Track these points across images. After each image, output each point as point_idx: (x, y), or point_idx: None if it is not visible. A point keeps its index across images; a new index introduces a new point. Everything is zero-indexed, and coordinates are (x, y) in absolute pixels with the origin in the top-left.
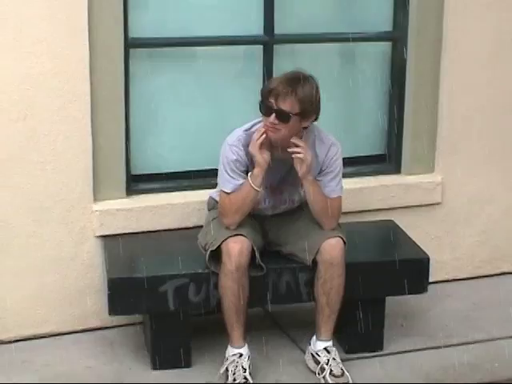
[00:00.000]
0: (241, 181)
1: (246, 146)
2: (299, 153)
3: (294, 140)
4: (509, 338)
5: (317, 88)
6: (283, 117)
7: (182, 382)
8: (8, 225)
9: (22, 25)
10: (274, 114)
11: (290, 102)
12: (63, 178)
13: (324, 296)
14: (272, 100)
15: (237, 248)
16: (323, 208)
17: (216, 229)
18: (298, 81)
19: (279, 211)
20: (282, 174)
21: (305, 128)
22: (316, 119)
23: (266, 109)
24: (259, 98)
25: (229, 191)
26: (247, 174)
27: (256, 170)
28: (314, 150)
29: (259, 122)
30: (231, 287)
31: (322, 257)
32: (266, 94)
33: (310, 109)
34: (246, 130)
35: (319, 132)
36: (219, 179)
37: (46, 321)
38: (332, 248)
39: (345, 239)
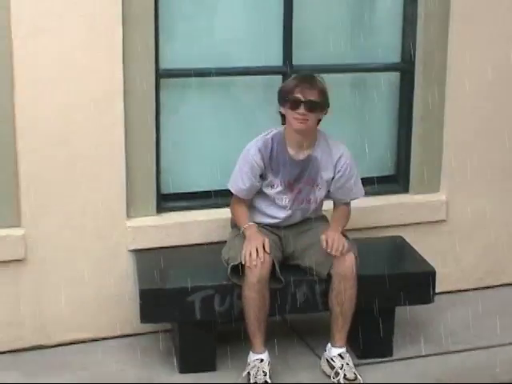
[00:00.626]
0: (247, 186)
1: (263, 149)
2: (333, 247)
3: (323, 238)
4: (509, 345)
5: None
6: (312, 105)
7: None
8: (51, 240)
9: (63, 56)
10: (302, 105)
11: (315, 93)
12: (100, 198)
13: (338, 306)
14: (299, 94)
15: (259, 262)
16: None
17: (239, 245)
18: (313, 77)
19: (295, 219)
20: (298, 171)
21: (319, 121)
22: (326, 113)
23: (294, 103)
24: (280, 98)
25: (232, 191)
26: (261, 178)
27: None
28: (327, 152)
29: (274, 130)
30: (254, 298)
31: (335, 270)
32: (291, 89)
33: (326, 100)
34: (264, 136)
35: (324, 134)
36: (231, 178)
37: (84, 328)
38: (344, 262)
39: (356, 254)
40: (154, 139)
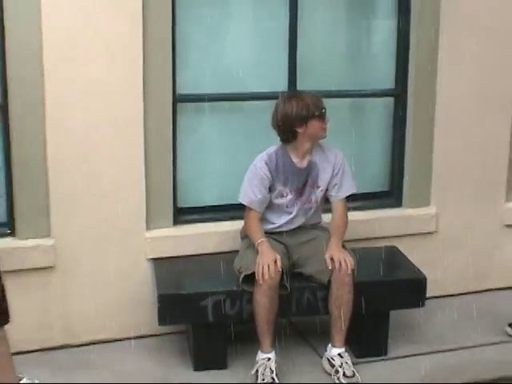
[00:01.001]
0: (259, 197)
1: (269, 162)
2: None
3: (327, 256)
4: (492, 345)
5: None
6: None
7: (219, 381)
8: (78, 249)
9: (90, 82)
10: (326, 115)
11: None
12: (121, 211)
13: (336, 310)
14: (323, 106)
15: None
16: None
17: (251, 256)
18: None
19: (299, 221)
20: (304, 177)
21: None
22: None
23: (323, 115)
24: (301, 118)
25: (246, 204)
26: (270, 190)
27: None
28: (323, 156)
29: (273, 147)
30: (264, 302)
31: (334, 278)
32: (316, 105)
33: None
34: (267, 152)
35: (320, 143)
36: (242, 192)
37: (107, 329)
38: (342, 271)
39: (354, 262)
40: (171, 158)
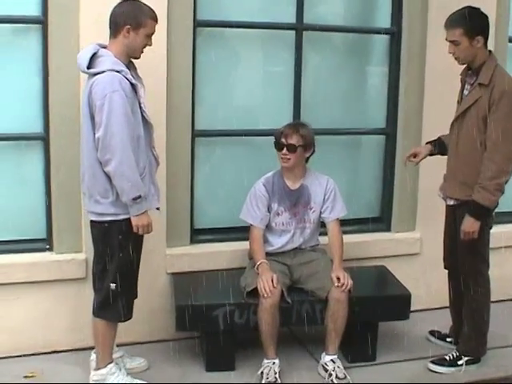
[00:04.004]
0: (259, 214)
1: (266, 184)
2: (346, 284)
3: (334, 276)
4: None
5: (311, 130)
6: (292, 148)
7: (228, 381)
8: None
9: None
10: (285, 148)
11: (296, 138)
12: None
13: (332, 324)
14: (282, 139)
15: (270, 293)
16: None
17: (253, 275)
18: (298, 125)
19: (297, 242)
20: (294, 199)
21: (307, 159)
22: (313, 152)
23: (279, 146)
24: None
25: (249, 221)
26: (268, 210)
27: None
28: (316, 181)
29: (272, 171)
30: (266, 318)
31: (331, 295)
32: (278, 136)
33: (308, 144)
34: (266, 175)
35: (312, 169)
36: (244, 212)
37: (131, 333)
38: (339, 289)
39: (351, 282)
40: (190, 185)
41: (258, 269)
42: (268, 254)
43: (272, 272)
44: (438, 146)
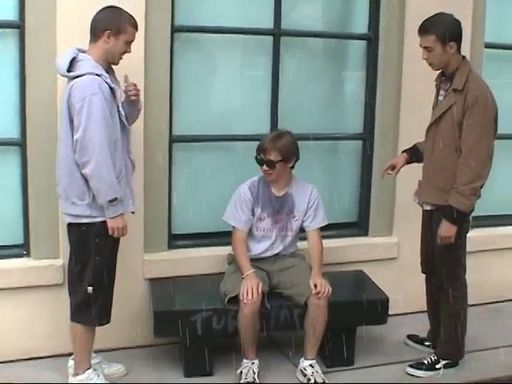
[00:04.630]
0: (243, 218)
1: (252, 188)
2: (323, 292)
3: (312, 283)
4: None
5: (292, 139)
6: (271, 164)
7: None
8: None
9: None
10: (265, 164)
11: (274, 154)
12: (123, 237)
13: (311, 329)
14: (262, 155)
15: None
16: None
17: (235, 280)
18: (276, 138)
19: (277, 248)
20: (278, 206)
21: (292, 168)
22: (297, 160)
23: (259, 161)
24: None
25: (233, 224)
26: (253, 213)
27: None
28: (301, 189)
29: (257, 176)
30: (247, 325)
31: (311, 301)
32: (257, 151)
33: (289, 155)
34: (251, 179)
35: (297, 177)
36: (228, 214)
37: (110, 339)
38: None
39: (330, 288)
40: (167, 190)
41: (244, 276)
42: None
43: (258, 280)
44: (415, 154)
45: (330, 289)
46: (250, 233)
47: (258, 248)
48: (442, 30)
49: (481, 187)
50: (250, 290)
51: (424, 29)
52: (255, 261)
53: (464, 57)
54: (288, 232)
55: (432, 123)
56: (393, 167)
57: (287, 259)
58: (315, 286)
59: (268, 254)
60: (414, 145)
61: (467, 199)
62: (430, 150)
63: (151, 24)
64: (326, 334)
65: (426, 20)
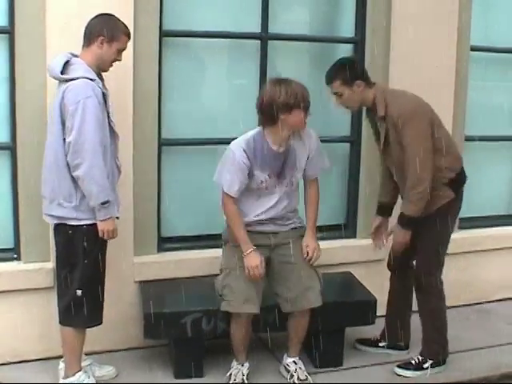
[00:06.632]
0: (238, 184)
1: (247, 149)
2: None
3: (304, 245)
4: None
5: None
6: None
7: None
8: None
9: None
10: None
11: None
12: (113, 240)
13: (294, 332)
14: (308, 99)
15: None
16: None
17: (234, 285)
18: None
19: (282, 205)
20: (281, 161)
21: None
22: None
23: (308, 108)
24: (287, 106)
25: (225, 190)
26: (249, 176)
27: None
28: (298, 137)
29: (251, 132)
30: (240, 329)
31: (298, 307)
32: (302, 97)
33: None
34: (244, 137)
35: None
36: (222, 178)
37: (100, 341)
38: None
39: (321, 286)
40: (156, 194)
41: (245, 254)
42: (250, 226)
43: (259, 256)
44: (385, 210)
45: (320, 254)
46: (251, 195)
47: (264, 207)
48: (344, 74)
49: (427, 189)
50: (252, 270)
51: (328, 78)
52: (254, 235)
53: (374, 83)
54: (294, 187)
55: (382, 151)
56: (378, 233)
57: (288, 234)
58: (307, 248)
59: (274, 212)
60: (378, 201)
61: (414, 205)
62: (392, 170)
63: (140, 28)
64: (314, 334)
65: (328, 70)
